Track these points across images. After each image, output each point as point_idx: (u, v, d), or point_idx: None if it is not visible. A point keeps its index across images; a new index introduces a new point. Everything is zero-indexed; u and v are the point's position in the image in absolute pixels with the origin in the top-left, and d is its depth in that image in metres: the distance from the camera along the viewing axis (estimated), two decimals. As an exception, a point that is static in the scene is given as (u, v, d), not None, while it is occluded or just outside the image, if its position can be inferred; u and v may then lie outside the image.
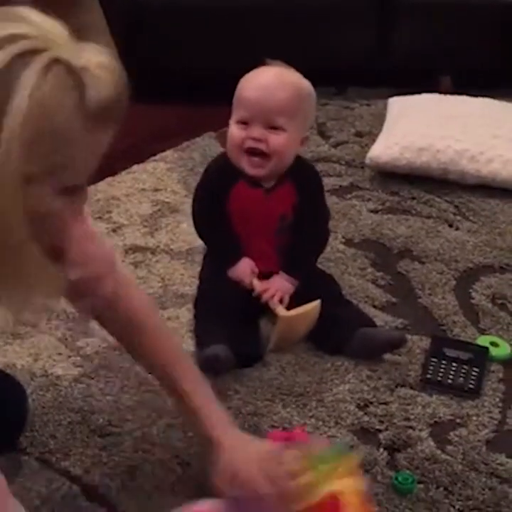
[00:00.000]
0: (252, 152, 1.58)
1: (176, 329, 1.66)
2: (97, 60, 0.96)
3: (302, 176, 1.66)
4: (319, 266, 1.78)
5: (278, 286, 1.62)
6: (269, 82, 1.57)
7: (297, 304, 1.60)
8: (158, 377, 1.31)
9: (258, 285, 1.62)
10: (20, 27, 0.94)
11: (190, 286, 1.76)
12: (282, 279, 1.64)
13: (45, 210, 0.98)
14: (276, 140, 1.57)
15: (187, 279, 1.80)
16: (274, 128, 1.56)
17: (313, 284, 1.65)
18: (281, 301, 1.61)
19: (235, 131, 1.59)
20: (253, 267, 1.63)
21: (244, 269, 1.63)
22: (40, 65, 0.92)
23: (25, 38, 0.93)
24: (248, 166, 1.60)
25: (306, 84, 1.61)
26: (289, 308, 1.61)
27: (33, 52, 0.92)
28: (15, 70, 0.91)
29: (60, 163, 0.96)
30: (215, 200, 1.64)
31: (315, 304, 1.59)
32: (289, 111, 1.56)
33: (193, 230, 1.79)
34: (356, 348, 1.57)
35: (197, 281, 1.74)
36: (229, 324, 1.57)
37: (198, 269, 1.77)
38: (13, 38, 0.92)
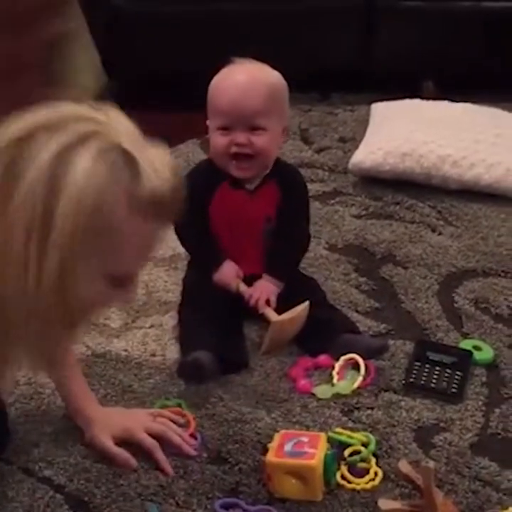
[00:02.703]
0: (238, 156, 1.59)
1: (159, 336, 1.66)
2: (157, 154, 1.00)
3: (286, 176, 1.69)
4: (303, 272, 1.79)
5: (262, 289, 1.63)
6: (241, 85, 1.58)
7: (283, 309, 1.61)
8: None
9: (246, 290, 1.63)
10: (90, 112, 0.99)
11: (173, 293, 1.76)
12: (266, 282, 1.65)
13: (86, 294, 1.01)
14: (260, 140, 1.59)
15: (170, 285, 1.79)
16: (255, 129, 1.58)
17: (297, 289, 1.66)
18: (268, 303, 1.61)
19: (217, 138, 1.60)
20: (238, 270, 1.64)
21: (228, 273, 1.63)
22: (97, 148, 0.95)
23: (90, 120, 0.98)
24: (235, 169, 1.62)
25: (276, 78, 1.63)
26: (277, 312, 1.61)
27: (94, 135, 0.96)
28: (73, 150, 0.95)
29: (105, 248, 0.99)
30: (198, 204, 1.64)
31: (304, 306, 1.60)
32: (266, 111, 1.58)
33: (176, 236, 1.79)
34: (338, 354, 1.57)
35: (180, 288, 1.74)
36: (213, 330, 1.57)
37: (182, 275, 1.77)
38: (78, 119, 0.98)
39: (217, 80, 1.62)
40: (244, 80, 1.60)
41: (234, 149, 1.59)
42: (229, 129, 1.59)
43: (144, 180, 0.98)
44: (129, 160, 0.97)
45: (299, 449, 1.31)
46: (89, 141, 0.96)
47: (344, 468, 1.35)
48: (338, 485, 1.33)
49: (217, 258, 1.65)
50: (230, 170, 1.62)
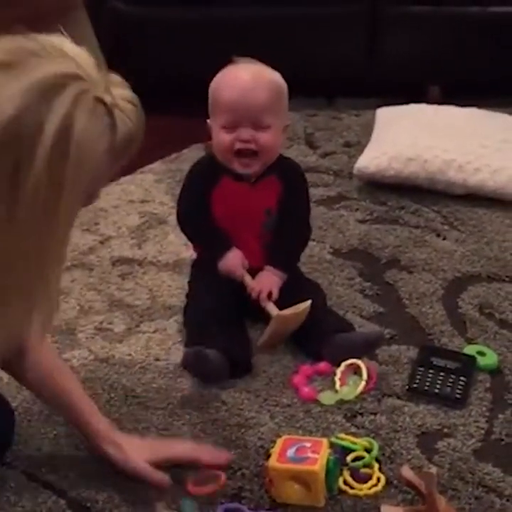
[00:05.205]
0: (242, 153, 1.60)
1: (163, 341, 1.66)
2: (124, 95, 1.01)
3: (286, 169, 1.70)
4: (307, 276, 1.79)
5: (265, 282, 1.64)
6: (247, 83, 1.59)
7: (284, 308, 1.61)
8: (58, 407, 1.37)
9: (250, 282, 1.63)
10: (61, 62, 0.97)
11: (177, 298, 1.76)
12: (269, 273, 1.66)
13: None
14: (265, 138, 1.60)
15: (174, 290, 1.79)
16: (259, 126, 1.59)
17: (299, 291, 1.66)
18: (270, 296, 1.62)
19: (222, 136, 1.61)
20: (243, 259, 1.64)
21: (234, 260, 1.64)
22: (72, 96, 0.95)
23: (66, 76, 0.96)
24: (239, 166, 1.63)
25: (278, 77, 1.64)
26: (279, 309, 1.61)
27: (67, 84, 0.95)
28: (48, 99, 0.94)
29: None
30: (200, 196, 1.66)
31: (306, 305, 1.60)
32: (270, 108, 1.59)
33: (180, 241, 1.80)
34: (336, 353, 1.57)
35: (184, 293, 1.74)
36: (218, 330, 1.57)
37: (186, 280, 1.77)
38: (62, 77, 0.95)
39: (219, 79, 1.63)
40: (249, 77, 1.60)
41: (238, 145, 1.60)
42: (233, 127, 1.59)
43: (119, 125, 1.00)
44: (105, 108, 0.99)
45: (301, 455, 1.30)
46: (66, 87, 0.95)
47: (347, 474, 1.35)
48: (341, 491, 1.33)
49: (222, 245, 1.65)
50: (234, 167, 1.63)
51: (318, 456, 1.30)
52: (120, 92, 1.02)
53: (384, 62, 2.70)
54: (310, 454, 1.30)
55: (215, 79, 1.64)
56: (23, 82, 0.93)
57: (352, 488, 1.33)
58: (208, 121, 1.65)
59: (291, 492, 1.30)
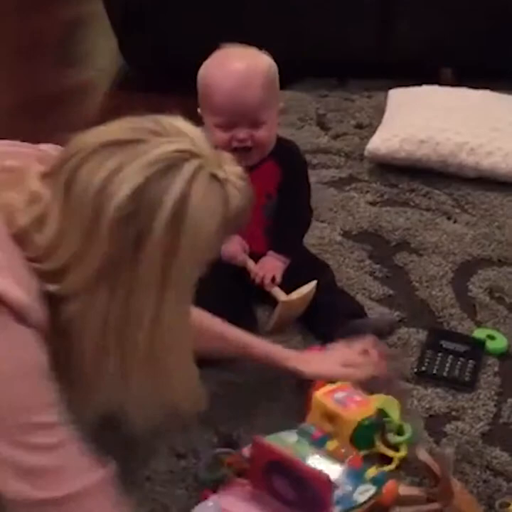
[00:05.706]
0: (238, 150, 1.59)
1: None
2: (235, 171, 1.07)
3: (284, 152, 1.69)
4: (317, 257, 1.79)
5: (268, 267, 1.64)
6: (238, 81, 1.54)
7: (291, 289, 1.62)
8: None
9: (253, 266, 1.64)
10: (179, 140, 1.02)
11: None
12: (272, 258, 1.66)
13: None
14: (261, 134, 1.59)
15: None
16: (255, 123, 1.58)
17: (306, 270, 1.66)
18: (274, 280, 1.62)
19: (217, 134, 1.59)
20: (244, 244, 1.65)
21: (234, 246, 1.64)
22: (190, 172, 1.00)
23: (184, 152, 1.01)
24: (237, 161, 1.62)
25: (267, 62, 1.60)
26: (284, 291, 1.62)
27: (185, 161, 1.00)
28: (167, 174, 0.99)
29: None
30: None
31: (312, 286, 1.61)
32: (265, 104, 1.57)
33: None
34: (346, 338, 1.57)
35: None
36: (224, 313, 1.57)
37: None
38: (180, 154, 1.01)
39: (209, 74, 1.58)
40: (239, 73, 1.55)
41: (235, 144, 1.59)
42: (228, 127, 1.58)
43: (232, 200, 1.05)
44: (219, 184, 1.04)
45: (345, 401, 1.33)
46: (184, 163, 1.00)
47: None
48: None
49: None
50: None
51: (357, 410, 1.32)
52: (232, 169, 1.06)
53: (396, 43, 2.69)
54: (353, 406, 1.32)
55: (203, 71, 1.59)
56: (145, 159, 0.99)
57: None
58: (199, 110, 1.60)
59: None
